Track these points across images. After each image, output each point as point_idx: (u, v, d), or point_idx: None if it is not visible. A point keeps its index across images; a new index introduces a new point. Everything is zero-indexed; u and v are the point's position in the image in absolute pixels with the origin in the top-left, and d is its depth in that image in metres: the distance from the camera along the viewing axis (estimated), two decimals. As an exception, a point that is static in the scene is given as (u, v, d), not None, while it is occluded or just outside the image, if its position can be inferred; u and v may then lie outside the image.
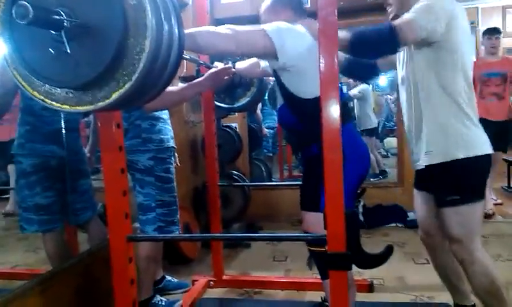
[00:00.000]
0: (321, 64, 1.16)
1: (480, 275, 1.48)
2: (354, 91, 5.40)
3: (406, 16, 1.37)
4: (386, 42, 1.35)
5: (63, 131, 1.92)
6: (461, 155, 1.42)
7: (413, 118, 1.54)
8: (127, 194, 1.32)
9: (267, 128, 5.18)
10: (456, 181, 1.46)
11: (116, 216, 1.31)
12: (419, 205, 1.70)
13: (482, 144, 1.46)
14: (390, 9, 1.56)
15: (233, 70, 1.85)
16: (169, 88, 1.47)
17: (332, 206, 1.16)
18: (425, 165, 1.51)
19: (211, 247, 2.40)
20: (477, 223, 1.48)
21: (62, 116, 1.89)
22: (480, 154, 1.44)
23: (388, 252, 1.26)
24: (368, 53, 1.48)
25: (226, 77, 1.80)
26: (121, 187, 1.30)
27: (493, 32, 3.48)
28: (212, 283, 2.35)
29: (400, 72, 1.61)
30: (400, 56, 1.60)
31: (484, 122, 1.56)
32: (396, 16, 1.49)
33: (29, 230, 1.87)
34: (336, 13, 1.15)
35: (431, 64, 1.44)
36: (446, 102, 1.44)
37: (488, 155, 1.46)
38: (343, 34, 1.34)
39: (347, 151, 1.26)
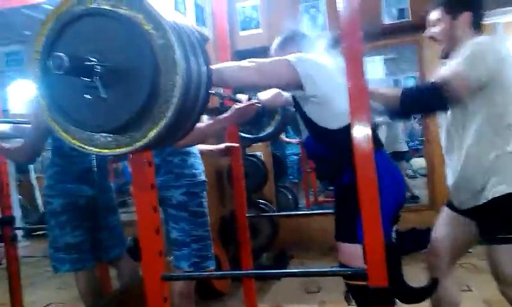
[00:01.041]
0: (349, 91, 1.14)
1: None
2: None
3: (451, 68, 1.38)
4: (436, 101, 1.38)
5: (93, 169, 1.96)
6: None
7: (461, 156, 1.49)
8: (160, 232, 1.31)
9: (290, 155, 5.15)
10: None
11: (150, 255, 1.29)
12: (446, 224, 1.61)
13: None
14: (442, 47, 1.56)
15: (258, 101, 1.86)
16: (197, 124, 1.48)
17: (371, 237, 1.11)
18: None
19: (242, 281, 2.35)
20: None
21: (92, 155, 1.93)
22: None
23: (433, 285, 1.19)
24: (418, 112, 1.49)
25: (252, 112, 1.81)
26: (154, 225, 1.30)
27: None
28: (245, 318, 2.29)
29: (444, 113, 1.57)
30: None
31: None
32: (447, 54, 1.52)
33: (62, 270, 1.89)
34: (361, 40, 1.14)
35: (481, 105, 1.41)
36: (501, 138, 1.40)
37: None
38: (389, 90, 1.41)
39: (382, 178, 1.22)
